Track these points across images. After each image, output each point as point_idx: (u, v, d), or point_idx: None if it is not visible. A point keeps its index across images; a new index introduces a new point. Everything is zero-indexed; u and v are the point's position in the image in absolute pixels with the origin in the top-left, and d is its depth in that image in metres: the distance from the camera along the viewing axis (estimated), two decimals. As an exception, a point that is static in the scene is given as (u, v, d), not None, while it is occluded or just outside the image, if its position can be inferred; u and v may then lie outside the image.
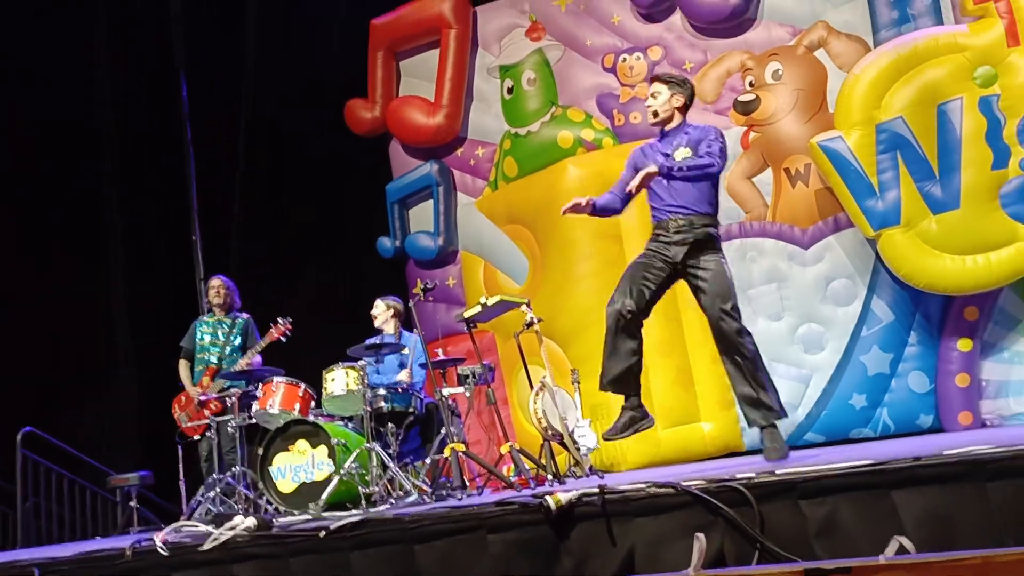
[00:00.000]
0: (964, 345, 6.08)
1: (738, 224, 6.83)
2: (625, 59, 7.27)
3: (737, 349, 4.19)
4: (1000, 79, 5.77)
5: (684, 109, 4.36)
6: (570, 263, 7.15)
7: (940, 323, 6.19)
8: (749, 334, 4.29)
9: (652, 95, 4.34)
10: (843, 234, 6.50)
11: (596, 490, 3.19)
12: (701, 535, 2.93)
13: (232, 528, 3.65)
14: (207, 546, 3.61)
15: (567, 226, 7.18)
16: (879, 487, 3.00)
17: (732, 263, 6.70)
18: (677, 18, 7.15)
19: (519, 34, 7.65)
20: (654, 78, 4.43)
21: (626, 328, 4.21)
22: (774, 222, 6.76)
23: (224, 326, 6.25)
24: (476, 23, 7.82)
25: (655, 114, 4.32)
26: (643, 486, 3.12)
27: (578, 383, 6.15)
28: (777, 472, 3.05)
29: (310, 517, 4.73)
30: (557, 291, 7.20)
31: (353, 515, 3.70)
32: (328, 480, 5.11)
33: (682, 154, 4.16)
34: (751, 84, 6.88)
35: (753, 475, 3.02)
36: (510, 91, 7.67)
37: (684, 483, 3.06)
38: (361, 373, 5.26)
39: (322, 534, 3.47)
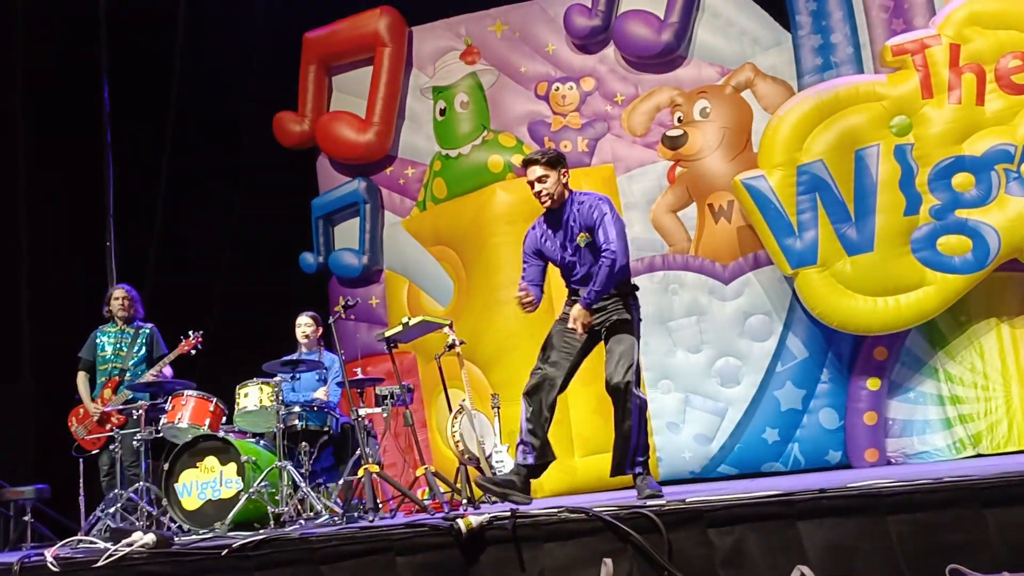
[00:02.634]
0: (873, 384, 6.27)
1: (661, 256, 6.93)
2: (558, 88, 7.35)
3: (626, 409, 4.05)
4: (914, 129, 6.01)
5: (567, 181, 4.19)
6: (495, 287, 7.14)
7: (851, 362, 6.37)
8: (639, 397, 4.10)
9: (539, 180, 4.07)
10: (762, 271, 6.65)
11: (507, 514, 3.16)
12: (609, 561, 2.92)
13: (130, 545, 3.50)
14: (101, 563, 3.45)
15: (493, 250, 7.19)
16: (785, 518, 3.05)
17: (654, 295, 6.90)
18: (611, 51, 7.27)
19: (454, 57, 7.67)
20: (529, 162, 4.12)
21: (548, 399, 4.07)
22: (696, 256, 6.88)
23: (127, 336, 6.03)
24: (411, 43, 7.81)
25: (550, 198, 4.10)
26: (555, 511, 3.10)
27: (498, 408, 6.12)
28: (687, 500, 3.07)
29: (214, 535, 4.57)
30: (481, 315, 7.18)
31: (257, 534, 3.58)
32: (236, 498, 4.95)
33: (583, 239, 4.06)
34: (680, 120, 7.02)
35: (663, 503, 3.03)
36: (442, 112, 7.66)
37: (595, 509, 3.05)
38: (276, 389, 5.13)
39: (223, 553, 3.35)
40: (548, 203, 4.14)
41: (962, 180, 5.90)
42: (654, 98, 7.13)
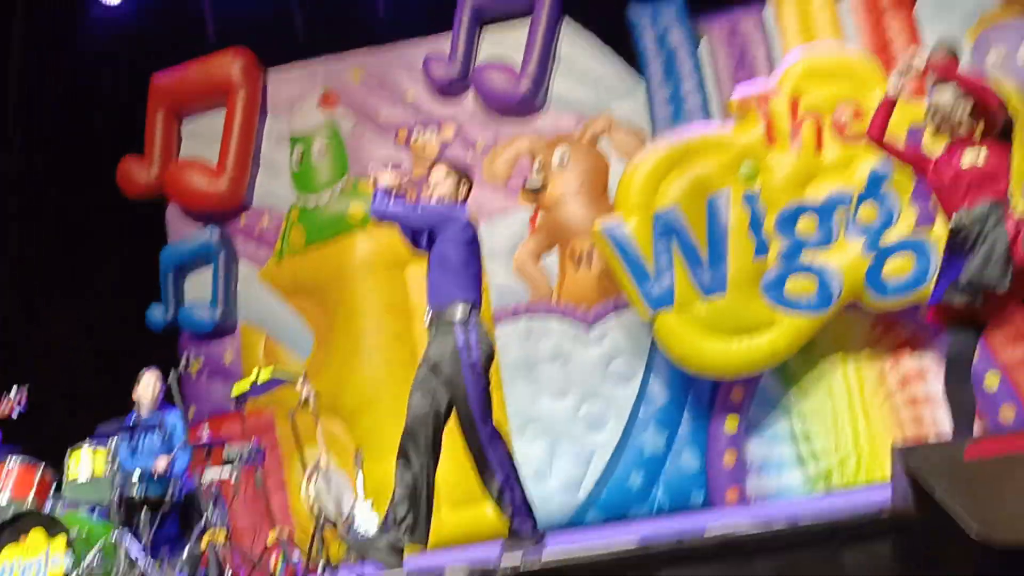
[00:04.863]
0: (731, 425, 6.40)
1: (525, 303, 6.93)
2: (418, 135, 7.30)
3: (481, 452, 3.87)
4: (760, 175, 6.25)
5: (463, 197, 4.17)
6: (357, 337, 6.96)
7: (710, 403, 6.49)
8: (498, 437, 3.92)
9: (435, 176, 4.14)
10: (623, 315, 6.73)
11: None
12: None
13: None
14: None
15: (355, 299, 7.02)
16: (647, 567, 3.00)
17: (518, 341, 6.87)
18: (470, 99, 7.28)
19: (311, 103, 7.49)
20: (440, 160, 4.28)
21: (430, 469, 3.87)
22: (559, 301, 6.90)
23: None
24: (266, 88, 7.59)
25: (440, 199, 4.10)
26: (404, 574, 2.94)
27: (361, 462, 5.88)
28: (544, 559, 2.97)
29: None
30: (343, 365, 6.97)
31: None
32: (66, 578, 4.51)
33: None
34: (540, 167, 7.07)
35: (518, 563, 2.92)
36: (300, 160, 7.46)
37: (449, 570, 2.91)
38: (111, 455, 4.74)
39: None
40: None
41: (805, 224, 6.16)
42: (514, 146, 7.17)
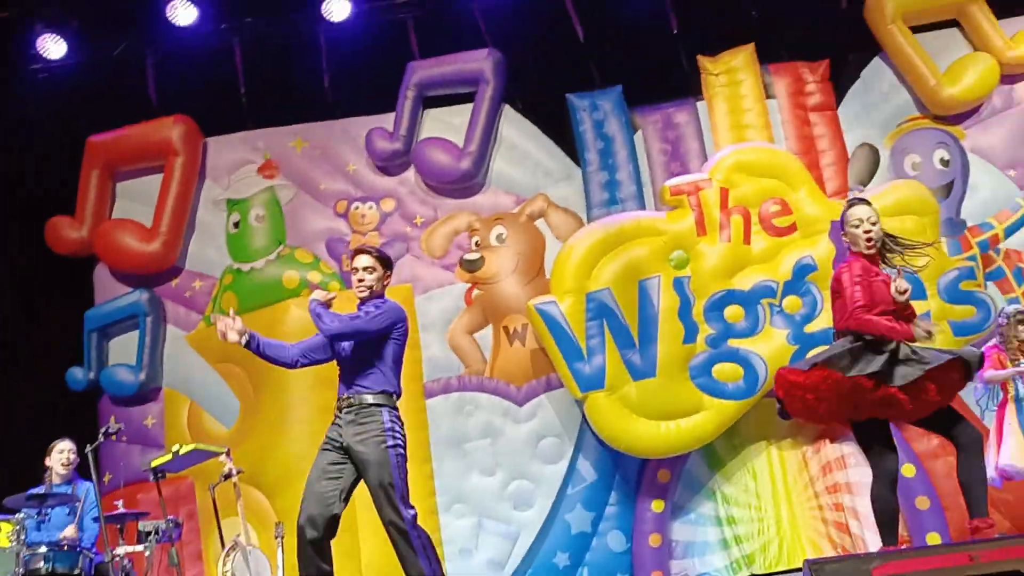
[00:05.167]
0: (657, 506, 6.45)
1: (457, 378, 6.93)
2: (358, 207, 7.34)
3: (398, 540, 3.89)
4: (691, 263, 6.45)
5: (387, 284, 4.19)
6: (283, 408, 6.84)
7: (637, 484, 6.54)
8: (414, 527, 3.90)
9: (365, 269, 4.07)
10: (554, 394, 6.78)
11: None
12: None
13: None
14: None
15: (283, 369, 6.91)
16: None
17: (449, 416, 6.85)
18: (411, 174, 7.37)
19: (251, 170, 7.49)
20: (362, 251, 4.14)
21: (316, 549, 3.85)
22: (491, 378, 6.93)
23: None
24: (206, 154, 7.57)
25: (368, 290, 4.05)
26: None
27: (282, 538, 5.73)
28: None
29: None
30: (268, 436, 6.83)
31: None
32: (-39, 656, 4.27)
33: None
34: (477, 244, 7.17)
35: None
36: (236, 225, 7.42)
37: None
38: (17, 528, 4.53)
39: None
40: (364, 295, 4.09)
41: (733, 312, 6.35)
42: (453, 222, 7.27)
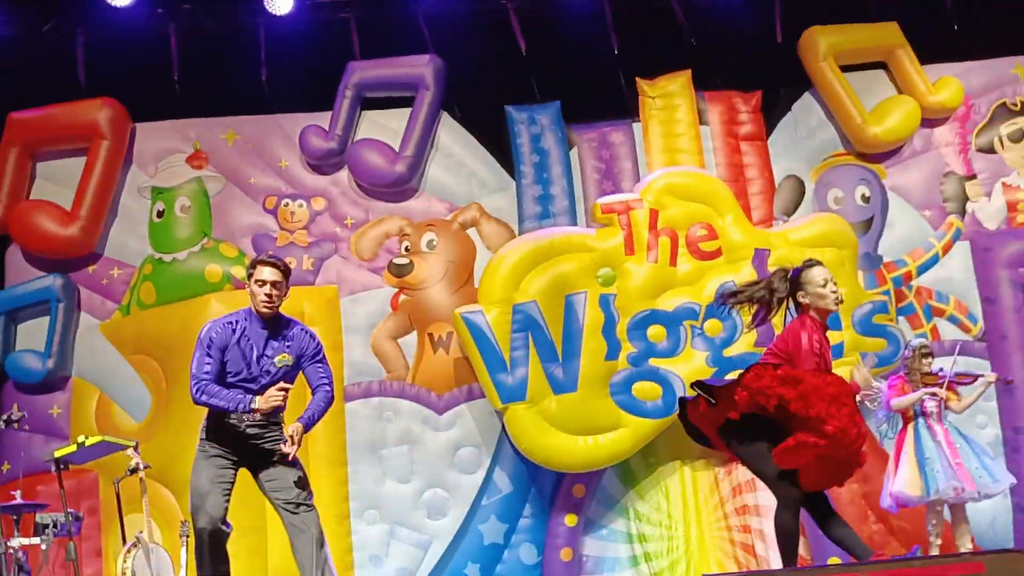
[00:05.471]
0: (570, 520, 6.49)
1: (378, 383, 6.88)
2: (288, 204, 7.24)
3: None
4: (617, 281, 6.53)
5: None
6: (196, 405, 6.66)
7: (552, 498, 6.57)
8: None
9: (274, 285, 3.90)
10: (475, 403, 6.78)
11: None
12: None
13: None
14: None
15: (201, 364, 6.75)
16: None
17: (368, 421, 6.78)
18: (344, 174, 7.30)
19: (179, 159, 7.31)
20: (270, 263, 3.94)
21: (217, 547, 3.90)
22: (413, 384, 6.89)
23: None
24: (133, 139, 7.36)
25: (274, 306, 3.92)
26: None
27: (187, 537, 5.58)
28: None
29: None
30: (179, 432, 6.62)
31: None
32: None
33: (282, 360, 3.92)
34: (407, 249, 7.14)
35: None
36: (160, 214, 7.23)
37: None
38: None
39: None
40: (269, 311, 3.94)
41: (656, 332, 6.45)
42: (384, 225, 7.21)
